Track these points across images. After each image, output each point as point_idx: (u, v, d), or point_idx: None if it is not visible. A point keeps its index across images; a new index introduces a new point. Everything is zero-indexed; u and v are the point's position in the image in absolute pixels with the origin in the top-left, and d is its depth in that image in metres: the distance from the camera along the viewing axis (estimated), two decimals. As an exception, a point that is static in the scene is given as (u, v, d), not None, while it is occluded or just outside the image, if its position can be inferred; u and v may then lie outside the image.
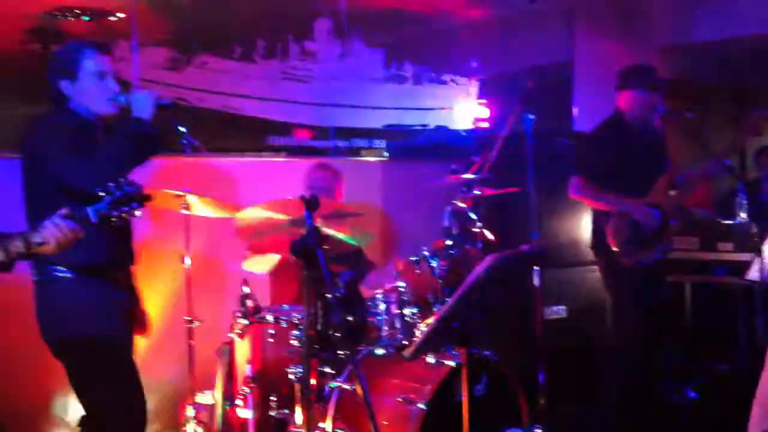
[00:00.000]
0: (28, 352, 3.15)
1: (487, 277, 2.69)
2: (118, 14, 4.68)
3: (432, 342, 2.97)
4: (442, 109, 6.03)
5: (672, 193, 4.41)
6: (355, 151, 5.61)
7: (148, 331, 3.31)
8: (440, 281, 3.86)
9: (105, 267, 3.00)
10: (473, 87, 6.11)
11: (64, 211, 2.39)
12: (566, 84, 6.16)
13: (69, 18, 4.53)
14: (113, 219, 2.45)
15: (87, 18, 4.58)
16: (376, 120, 5.72)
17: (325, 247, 2.73)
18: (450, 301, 2.75)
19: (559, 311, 5.05)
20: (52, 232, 2.33)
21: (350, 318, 3.56)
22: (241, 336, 3.84)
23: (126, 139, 2.84)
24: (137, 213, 2.48)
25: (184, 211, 3.96)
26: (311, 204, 2.84)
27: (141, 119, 2.88)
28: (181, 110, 3.13)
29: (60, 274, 2.92)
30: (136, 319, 3.19)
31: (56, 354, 2.99)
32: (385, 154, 5.76)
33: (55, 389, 4.05)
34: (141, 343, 3.34)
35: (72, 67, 2.98)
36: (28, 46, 4.42)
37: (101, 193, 2.43)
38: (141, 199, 2.49)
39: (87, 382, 2.98)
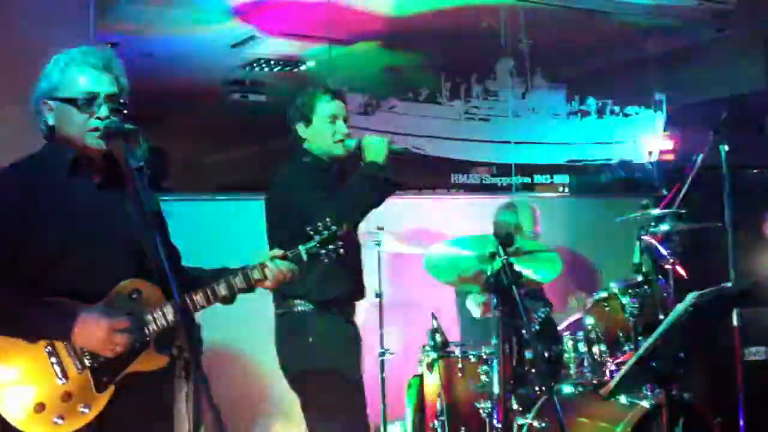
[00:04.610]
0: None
1: (688, 315, 2.62)
2: (309, 63, 4.96)
3: (629, 381, 2.91)
4: (627, 142, 5.91)
5: None
6: (537, 188, 5.60)
7: None
8: (631, 319, 3.78)
9: (340, 302, 3.20)
10: (659, 119, 5.95)
11: (278, 251, 2.54)
12: (763, 114, 5.85)
13: (264, 69, 4.84)
14: (321, 257, 2.59)
15: (279, 68, 4.88)
16: (558, 156, 5.69)
17: (519, 283, 2.76)
18: (649, 339, 2.70)
19: (759, 352, 4.75)
20: (271, 270, 2.49)
21: (546, 354, 3.55)
22: (430, 369, 3.92)
23: (364, 181, 3.00)
24: (341, 251, 2.60)
25: (376, 248, 4.13)
26: (505, 241, 2.88)
27: (375, 163, 3.03)
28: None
29: (300, 308, 3.14)
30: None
31: (290, 383, 3.18)
32: (567, 189, 5.71)
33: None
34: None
35: (307, 112, 3.22)
36: (230, 97, 4.76)
37: (311, 233, 2.59)
38: (345, 238, 2.63)
39: (315, 413, 3.12)
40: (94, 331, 2.18)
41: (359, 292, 3.35)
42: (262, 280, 2.47)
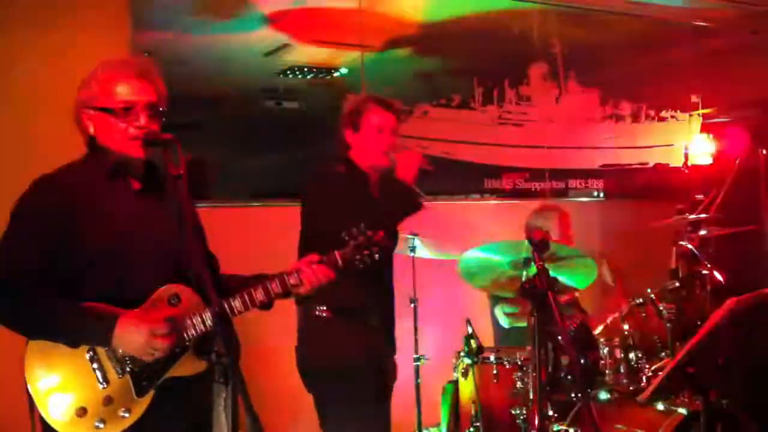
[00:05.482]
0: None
1: (728, 321, 2.59)
2: (342, 70, 4.98)
3: (667, 388, 2.88)
4: (663, 146, 5.86)
5: None
6: (571, 192, 5.57)
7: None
8: (668, 324, 3.74)
9: (357, 309, 3.18)
10: (695, 122, 5.89)
11: (315, 256, 2.56)
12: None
13: (298, 76, 4.87)
14: (356, 262, 2.61)
15: (313, 75, 4.91)
16: (592, 160, 5.66)
17: (555, 289, 2.75)
18: (687, 345, 2.67)
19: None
20: (306, 275, 2.51)
21: (582, 360, 3.53)
22: (465, 375, 3.91)
23: (389, 199, 3.04)
24: (376, 257, 2.61)
25: (410, 254, 4.14)
26: (540, 246, 2.86)
27: (401, 181, 3.05)
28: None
29: (316, 313, 3.16)
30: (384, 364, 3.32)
31: (305, 385, 3.21)
32: (602, 194, 5.67)
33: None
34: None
35: (356, 118, 3.22)
36: (265, 103, 4.79)
37: (346, 238, 2.61)
38: (380, 244, 2.64)
39: (325, 416, 3.16)
40: (134, 336, 2.21)
41: (382, 300, 3.29)
42: (298, 285, 2.49)
